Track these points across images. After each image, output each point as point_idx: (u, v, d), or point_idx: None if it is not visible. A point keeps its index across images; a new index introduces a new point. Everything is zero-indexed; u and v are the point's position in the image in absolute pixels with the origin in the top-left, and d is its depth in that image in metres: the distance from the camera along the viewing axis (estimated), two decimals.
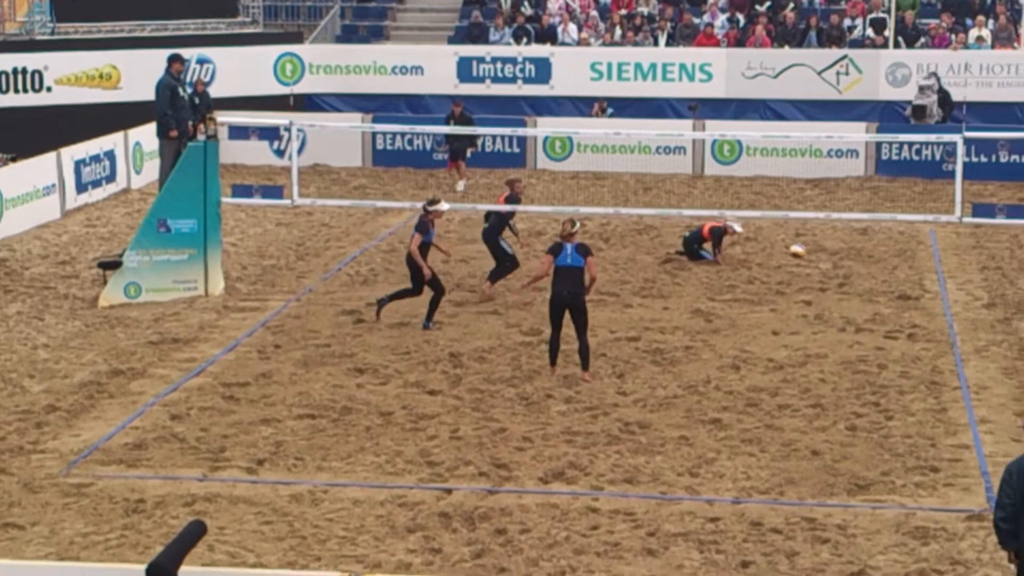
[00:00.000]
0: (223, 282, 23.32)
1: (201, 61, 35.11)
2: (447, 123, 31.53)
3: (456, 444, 16.90)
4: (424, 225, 21.45)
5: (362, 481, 15.90)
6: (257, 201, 25.96)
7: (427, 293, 21.43)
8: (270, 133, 33.52)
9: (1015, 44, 35.80)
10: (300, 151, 30.65)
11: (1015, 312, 22.15)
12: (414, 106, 36.20)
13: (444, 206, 22.01)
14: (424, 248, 21.37)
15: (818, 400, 18.30)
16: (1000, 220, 24.02)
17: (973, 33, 36.06)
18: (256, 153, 33.87)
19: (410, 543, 14.37)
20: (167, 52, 30.25)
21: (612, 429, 17.35)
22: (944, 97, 33.64)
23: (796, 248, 25.56)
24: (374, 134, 33.70)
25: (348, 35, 39.05)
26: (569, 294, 18.97)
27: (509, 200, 23.73)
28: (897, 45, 35.97)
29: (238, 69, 35.26)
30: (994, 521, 12.05)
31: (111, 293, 22.68)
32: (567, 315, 19.05)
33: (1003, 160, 32.22)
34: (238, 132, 33.05)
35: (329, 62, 36.71)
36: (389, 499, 15.38)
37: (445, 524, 14.78)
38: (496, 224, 23.59)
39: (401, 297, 21.81)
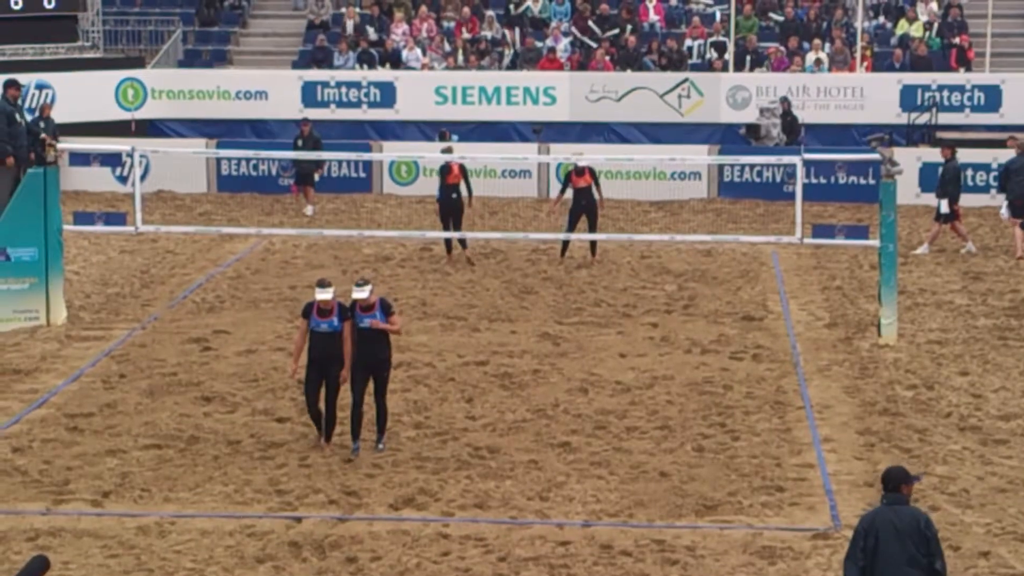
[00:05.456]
0: (65, 311, 22.97)
1: (40, 86, 34.58)
2: (295, 144, 31.34)
3: (305, 472, 16.80)
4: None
5: (210, 511, 15.74)
6: (100, 228, 25.56)
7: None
8: (112, 159, 33.07)
9: (851, 67, 36.46)
10: (143, 177, 30.20)
11: (855, 331, 22.53)
12: (259, 131, 35.96)
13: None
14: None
15: (665, 422, 18.46)
16: (839, 240, 24.36)
17: (810, 56, 36.68)
18: (98, 180, 33.42)
19: (260, 573, 14.26)
20: (4, 77, 29.78)
21: (462, 454, 17.35)
22: (792, 122, 34.18)
23: None
24: (218, 160, 33.39)
25: (191, 60, 38.69)
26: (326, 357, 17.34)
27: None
28: (738, 68, 36.46)
29: (78, 94, 34.76)
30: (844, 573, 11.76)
31: None
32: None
33: (841, 181, 32.77)
34: (79, 158, 32.57)
35: (172, 87, 36.36)
36: (238, 529, 15.25)
37: (295, 553, 14.69)
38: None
39: None
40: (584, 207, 26.81)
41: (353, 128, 35.58)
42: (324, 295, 17.15)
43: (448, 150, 28.61)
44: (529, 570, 14.32)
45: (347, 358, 17.17)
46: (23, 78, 31.32)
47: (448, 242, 27.28)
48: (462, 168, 27.21)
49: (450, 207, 27.09)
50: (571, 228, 26.95)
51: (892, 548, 11.51)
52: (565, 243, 27.19)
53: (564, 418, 18.63)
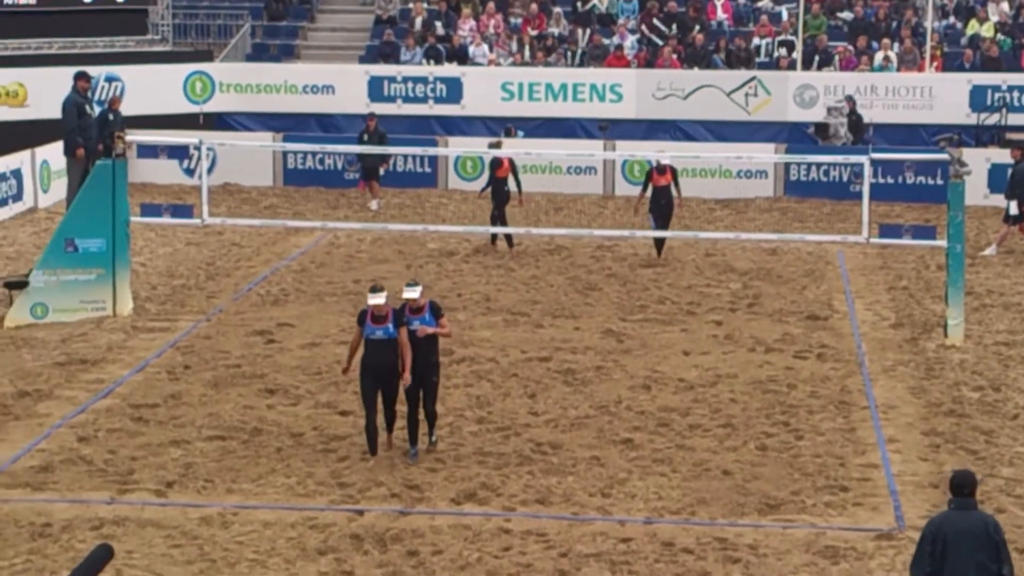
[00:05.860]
0: (131, 302, 23.12)
1: (109, 79, 34.82)
2: (361, 139, 31.37)
3: (368, 465, 16.83)
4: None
5: (273, 503, 15.79)
6: (166, 220, 25.67)
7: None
8: (179, 152, 33.26)
9: (920, 67, 36.20)
10: (210, 170, 30.33)
11: (922, 332, 22.37)
12: (325, 125, 36.09)
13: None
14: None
15: (729, 420, 18.38)
16: (906, 241, 24.13)
17: (879, 56, 36.45)
18: (165, 172, 33.62)
19: (321, 566, 14.29)
20: (74, 70, 30.00)
21: (524, 449, 17.34)
22: (857, 121, 33.99)
23: None
24: (285, 153, 33.52)
25: (259, 53, 38.88)
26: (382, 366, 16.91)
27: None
28: (806, 67, 36.26)
29: (147, 87, 34.98)
30: None
31: (17, 313, 22.42)
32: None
33: (909, 181, 32.56)
34: (147, 151, 32.78)
35: (239, 81, 36.53)
36: (300, 521, 15.30)
37: (357, 546, 14.71)
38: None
39: None
40: (664, 206, 26.71)
41: (419, 123, 35.64)
42: (377, 300, 16.68)
43: (496, 144, 28.65)
44: (590, 566, 14.29)
45: (406, 361, 16.80)
46: (93, 70, 31.57)
47: (508, 237, 27.32)
48: (511, 162, 27.30)
49: (501, 200, 27.20)
50: (658, 225, 26.81)
51: (961, 554, 11.36)
52: (658, 241, 27.10)
53: (627, 415, 18.59)
